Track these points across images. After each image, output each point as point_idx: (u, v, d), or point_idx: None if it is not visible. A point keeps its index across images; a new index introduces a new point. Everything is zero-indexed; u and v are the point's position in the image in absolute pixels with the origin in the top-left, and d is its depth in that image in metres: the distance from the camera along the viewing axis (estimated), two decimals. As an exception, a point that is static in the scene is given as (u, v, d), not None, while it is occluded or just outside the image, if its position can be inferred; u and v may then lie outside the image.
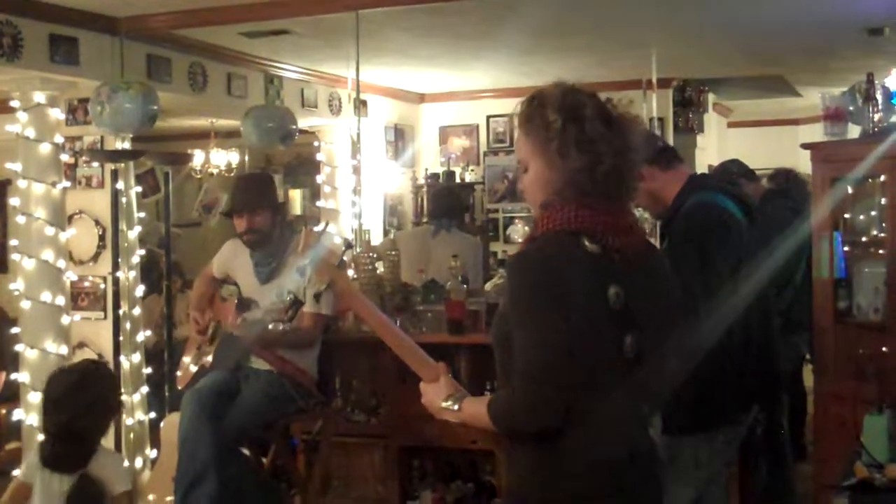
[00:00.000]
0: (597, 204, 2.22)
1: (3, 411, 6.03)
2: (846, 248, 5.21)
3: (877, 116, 5.00)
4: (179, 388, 4.99)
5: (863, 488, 2.97)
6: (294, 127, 6.85)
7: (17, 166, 5.74)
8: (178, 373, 4.99)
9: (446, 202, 6.61)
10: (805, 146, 5.40)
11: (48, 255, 5.70)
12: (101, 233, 6.19)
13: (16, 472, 5.64)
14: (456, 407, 2.33)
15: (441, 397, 2.36)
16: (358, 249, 5.86)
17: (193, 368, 4.92)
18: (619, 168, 2.23)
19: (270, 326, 2.58)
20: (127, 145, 6.11)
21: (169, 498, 4.67)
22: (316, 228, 2.80)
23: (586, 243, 2.19)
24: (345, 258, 2.59)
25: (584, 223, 2.20)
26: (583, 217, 2.21)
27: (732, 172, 6.02)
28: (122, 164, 5.93)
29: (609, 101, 2.28)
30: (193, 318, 4.96)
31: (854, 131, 5.26)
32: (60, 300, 5.75)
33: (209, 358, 4.80)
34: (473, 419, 2.30)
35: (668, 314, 2.33)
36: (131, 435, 6.02)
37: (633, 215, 2.36)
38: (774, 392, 3.70)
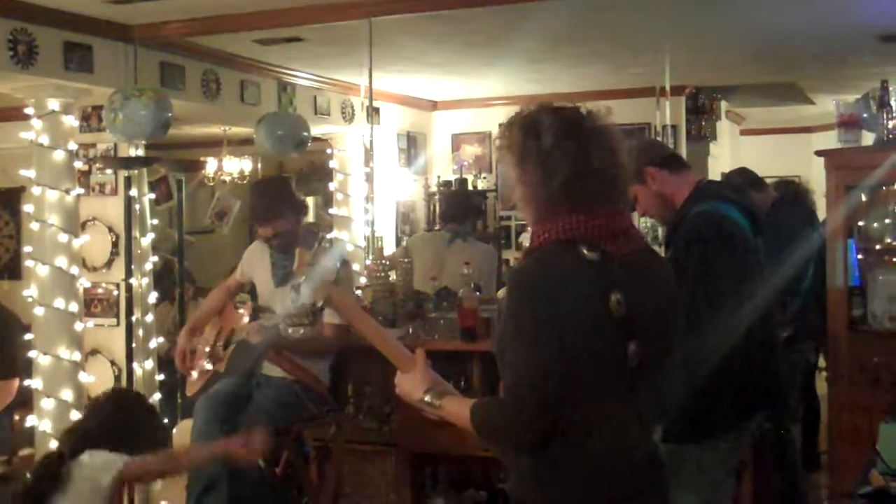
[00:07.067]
0: (587, 209, 2.21)
1: (17, 417, 6.03)
2: (860, 256, 5.19)
3: (891, 123, 5.00)
4: (188, 394, 4.98)
5: (879, 497, 2.95)
6: (307, 134, 6.85)
7: (31, 173, 5.76)
8: (193, 377, 4.97)
9: (459, 204, 6.61)
10: (819, 153, 5.39)
11: (62, 261, 5.71)
12: (114, 240, 6.22)
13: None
14: (437, 402, 2.33)
15: (420, 389, 2.37)
16: (370, 257, 5.86)
17: (195, 375, 4.91)
18: (579, 176, 2.21)
19: (290, 330, 2.56)
20: (140, 152, 6.13)
21: (181, 505, 4.68)
22: (328, 235, 2.80)
23: (584, 251, 2.18)
24: (347, 268, 2.59)
25: (578, 230, 2.20)
26: (577, 223, 2.20)
27: (736, 183, 5.93)
28: (136, 172, 5.94)
29: (590, 112, 2.29)
30: (181, 348, 4.79)
31: (868, 138, 5.25)
32: (74, 307, 5.76)
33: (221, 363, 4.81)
34: (453, 418, 2.31)
35: (670, 320, 2.31)
36: (144, 441, 6.03)
37: (629, 219, 2.34)
38: (778, 400, 3.67)
